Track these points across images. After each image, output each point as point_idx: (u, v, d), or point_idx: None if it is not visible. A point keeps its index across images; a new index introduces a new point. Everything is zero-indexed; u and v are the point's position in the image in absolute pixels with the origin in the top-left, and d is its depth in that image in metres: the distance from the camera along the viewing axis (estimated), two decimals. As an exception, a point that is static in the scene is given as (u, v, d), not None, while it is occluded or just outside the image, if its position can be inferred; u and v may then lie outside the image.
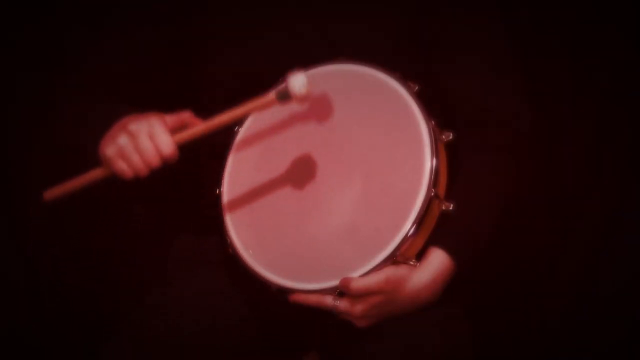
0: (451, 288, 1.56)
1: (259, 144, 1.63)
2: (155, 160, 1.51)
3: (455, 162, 1.59)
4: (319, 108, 1.58)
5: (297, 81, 1.48)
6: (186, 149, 1.55)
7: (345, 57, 1.61)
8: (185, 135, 1.53)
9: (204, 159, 1.77)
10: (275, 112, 1.63)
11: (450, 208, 1.52)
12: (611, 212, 1.94)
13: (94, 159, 1.57)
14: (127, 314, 1.62)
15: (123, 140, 1.51)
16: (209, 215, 1.67)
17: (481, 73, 1.68)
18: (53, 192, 1.57)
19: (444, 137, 1.55)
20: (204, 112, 1.76)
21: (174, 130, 1.54)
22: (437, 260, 1.53)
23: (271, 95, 1.50)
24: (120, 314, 1.65)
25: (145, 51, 1.74)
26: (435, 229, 1.52)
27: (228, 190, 1.63)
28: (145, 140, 1.50)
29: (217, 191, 1.63)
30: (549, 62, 1.96)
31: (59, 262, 2.05)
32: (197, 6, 1.72)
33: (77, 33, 1.98)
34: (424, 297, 1.53)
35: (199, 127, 1.54)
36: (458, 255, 1.53)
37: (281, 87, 1.49)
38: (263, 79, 1.65)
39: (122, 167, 1.52)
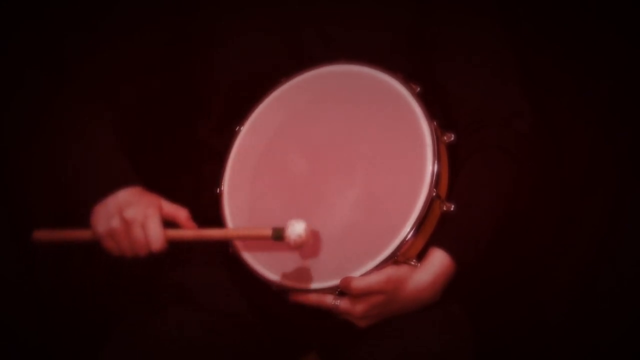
0: (451, 288, 1.56)
1: (260, 144, 1.63)
2: (142, 251, 1.53)
3: (456, 162, 1.59)
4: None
5: (295, 229, 1.48)
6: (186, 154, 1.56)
7: (347, 58, 1.62)
8: (176, 235, 1.55)
9: (204, 158, 1.77)
10: (277, 113, 1.63)
11: (452, 209, 1.52)
12: (611, 212, 1.94)
13: (86, 212, 1.58)
14: (126, 314, 1.62)
15: (116, 223, 1.53)
16: (210, 215, 1.67)
17: (481, 74, 1.68)
18: (42, 234, 1.61)
19: (445, 138, 1.55)
20: (202, 113, 1.77)
21: (166, 220, 1.55)
22: (438, 261, 1.53)
23: (267, 231, 1.51)
24: (120, 313, 1.64)
25: (144, 52, 1.74)
26: (436, 229, 1.53)
27: (228, 189, 1.63)
28: (138, 231, 1.52)
29: (217, 190, 1.63)
30: (549, 62, 1.96)
31: (58, 261, 2.05)
32: (196, 7, 1.72)
33: (75, 33, 1.98)
34: (425, 297, 1.53)
35: (191, 232, 1.56)
36: (459, 255, 1.53)
37: (279, 227, 1.49)
38: (263, 80, 1.65)
39: (110, 245, 1.55)
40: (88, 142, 1.66)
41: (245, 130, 1.65)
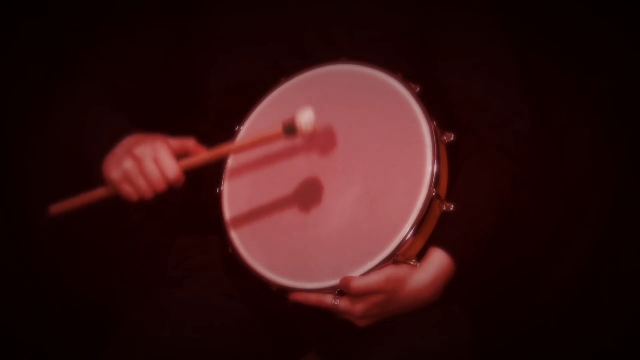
0: (451, 288, 1.56)
1: (260, 144, 1.63)
2: (160, 185, 1.52)
3: (456, 162, 1.59)
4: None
5: (305, 117, 1.47)
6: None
7: (347, 58, 1.61)
8: (190, 162, 1.54)
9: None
10: (276, 113, 1.63)
11: (452, 209, 1.52)
12: (611, 212, 1.94)
13: (97, 172, 1.58)
14: (128, 314, 1.62)
15: (128, 164, 1.52)
16: (210, 215, 1.67)
17: (481, 73, 1.68)
18: (59, 207, 1.59)
19: (445, 138, 1.55)
20: (202, 112, 1.77)
21: (177, 155, 1.54)
22: (438, 261, 1.53)
23: (278, 129, 1.49)
24: (121, 314, 1.64)
25: (145, 50, 1.75)
26: (436, 229, 1.53)
27: (228, 189, 1.63)
28: (151, 165, 1.51)
29: (218, 191, 1.63)
30: (549, 62, 1.96)
31: (59, 263, 2.05)
32: (199, 6, 1.72)
33: (76, 32, 1.98)
34: (425, 297, 1.53)
35: (204, 155, 1.55)
36: (458, 255, 1.53)
37: (287, 121, 1.48)
38: (265, 79, 1.65)
39: (127, 190, 1.53)
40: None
41: (245, 130, 1.65)
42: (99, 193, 1.56)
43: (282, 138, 1.50)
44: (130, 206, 1.56)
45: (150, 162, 1.51)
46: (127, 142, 1.57)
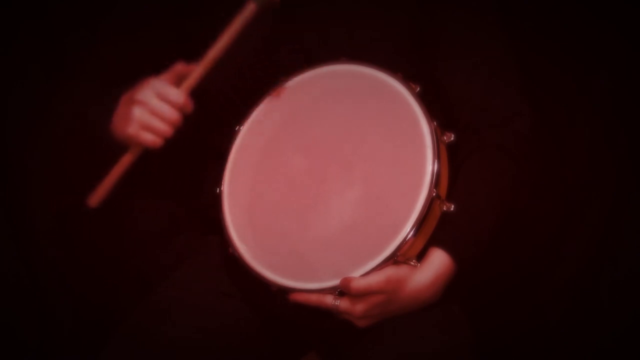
0: (451, 288, 1.56)
1: (260, 144, 1.63)
2: (174, 116, 1.55)
3: (456, 162, 1.59)
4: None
5: None
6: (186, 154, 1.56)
7: (347, 58, 1.61)
8: (189, 81, 1.57)
9: (205, 158, 1.77)
10: (277, 112, 1.63)
11: (452, 209, 1.52)
12: (611, 212, 1.94)
13: (111, 143, 1.59)
14: (127, 314, 1.62)
15: (137, 112, 1.55)
16: (210, 215, 1.67)
17: (481, 73, 1.68)
18: (96, 197, 1.60)
19: (445, 138, 1.55)
20: (202, 112, 1.76)
21: (175, 84, 1.57)
22: (438, 261, 1.53)
23: (250, 5, 1.53)
24: (122, 312, 1.64)
25: (145, 50, 1.75)
26: (436, 229, 1.53)
27: (228, 189, 1.63)
28: (157, 102, 1.54)
29: (218, 190, 1.63)
30: (549, 62, 1.96)
31: (59, 263, 2.05)
32: (199, 6, 1.73)
33: (76, 32, 1.98)
34: (425, 297, 1.53)
35: (198, 69, 1.57)
36: (459, 255, 1.53)
37: None
38: (265, 78, 1.65)
39: (148, 138, 1.56)
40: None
41: (245, 130, 1.65)
42: (125, 160, 1.59)
43: (256, 9, 1.53)
44: (157, 155, 1.59)
45: (154, 99, 1.54)
46: (124, 99, 1.59)
